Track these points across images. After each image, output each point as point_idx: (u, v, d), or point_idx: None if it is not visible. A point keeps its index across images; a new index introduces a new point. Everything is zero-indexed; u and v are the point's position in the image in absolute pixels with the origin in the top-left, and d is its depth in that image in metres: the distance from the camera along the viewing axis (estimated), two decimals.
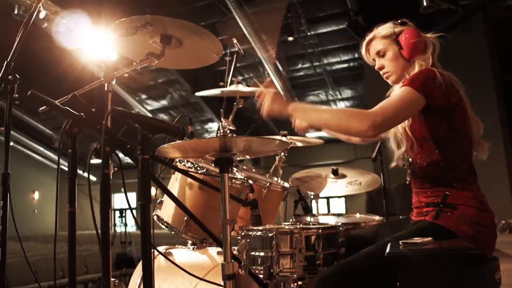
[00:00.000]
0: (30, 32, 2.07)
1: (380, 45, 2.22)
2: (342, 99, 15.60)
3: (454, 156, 2.00)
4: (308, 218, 3.28)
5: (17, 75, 2.04)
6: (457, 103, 2.02)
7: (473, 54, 10.88)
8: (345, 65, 13.67)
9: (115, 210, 19.02)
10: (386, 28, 2.22)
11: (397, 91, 2.01)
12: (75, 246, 1.85)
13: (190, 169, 2.66)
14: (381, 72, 2.27)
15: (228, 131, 2.67)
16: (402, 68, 2.18)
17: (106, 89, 2.22)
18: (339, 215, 3.40)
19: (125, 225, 9.47)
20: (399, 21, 2.20)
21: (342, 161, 16.63)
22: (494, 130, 11.16)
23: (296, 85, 14.79)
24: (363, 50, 2.32)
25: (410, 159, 2.13)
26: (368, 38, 2.28)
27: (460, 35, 10.53)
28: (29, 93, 1.82)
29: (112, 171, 2.18)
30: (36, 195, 20.50)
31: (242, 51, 3.49)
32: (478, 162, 2.13)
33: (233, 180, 2.64)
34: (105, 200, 1.58)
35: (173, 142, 1.61)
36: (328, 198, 17.13)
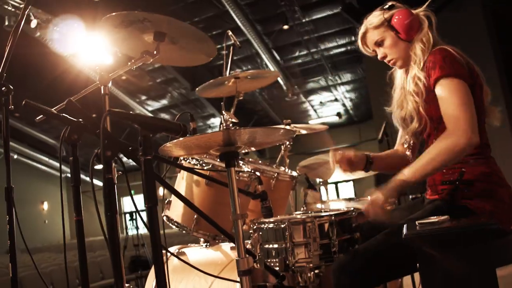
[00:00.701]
0: (24, 40, 2.03)
1: (375, 35, 2.17)
2: (342, 83, 15.51)
3: None
4: (319, 205, 3.24)
5: (10, 86, 1.99)
6: (477, 77, 1.97)
7: (470, 27, 10.75)
8: (342, 49, 13.56)
9: (125, 213, 19.06)
10: (375, 17, 2.16)
11: (443, 90, 1.90)
12: (86, 255, 1.82)
13: (195, 166, 2.62)
14: (385, 61, 2.21)
15: (230, 124, 2.63)
16: (404, 51, 2.12)
17: (102, 92, 2.17)
18: (350, 199, 3.36)
19: (137, 228, 9.44)
20: (386, 6, 2.15)
21: (347, 144, 16.53)
22: (497, 103, 11.07)
23: (295, 73, 14.70)
24: (360, 45, 2.26)
25: (424, 139, 2.08)
26: (361, 32, 2.22)
27: (456, 8, 10.43)
28: (23, 102, 1.78)
29: (116, 175, 2.14)
30: (45, 206, 20.56)
31: (238, 43, 3.46)
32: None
33: (240, 174, 2.60)
34: (111, 206, 1.54)
35: (175, 140, 1.57)
36: (336, 183, 17.09)
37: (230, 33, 3.42)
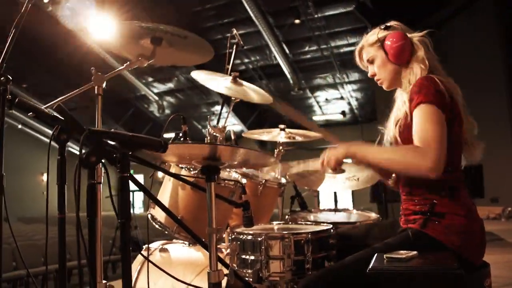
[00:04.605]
0: (36, 15, 2.02)
1: (369, 53, 2.21)
2: (349, 82, 15.51)
3: (445, 166, 1.95)
4: (305, 215, 3.26)
5: (9, 76, 1.99)
6: (458, 113, 1.97)
7: (481, 37, 10.70)
8: (352, 48, 13.37)
9: None
10: (372, 35, 2.19)
11: (422, 113, 1.88)
12: (65, 253, 1.86)
13: (182, 170, 2.65)
14: (374, 79, 2.24)
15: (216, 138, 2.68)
16: (392, 73, 2.14)
17: (96, 92, 2.20)
18: (336, 210, 3.38)
19: (132, 207, 9.50)
20: (383, 25, 2.17)
21: None
22: (502, 116, 11.06)
23: (303, 68, 14.69)
24: (357, 59, 2.30)
25: None
26: (358, 47, 2.27)
27: (467, 18, 10.37)
28: (16, 100, 1.82)
29: (102, 175, 2.18)
30: (45, 177, 20.63)
31: (242, 43, 3.48)
32: (486, 152, 2.08)
33: (226, 182, 2.63)
34: (91, 211, 1.58)
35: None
36: (335, 192, 17.07)
37: (235, 31, 3.43)
